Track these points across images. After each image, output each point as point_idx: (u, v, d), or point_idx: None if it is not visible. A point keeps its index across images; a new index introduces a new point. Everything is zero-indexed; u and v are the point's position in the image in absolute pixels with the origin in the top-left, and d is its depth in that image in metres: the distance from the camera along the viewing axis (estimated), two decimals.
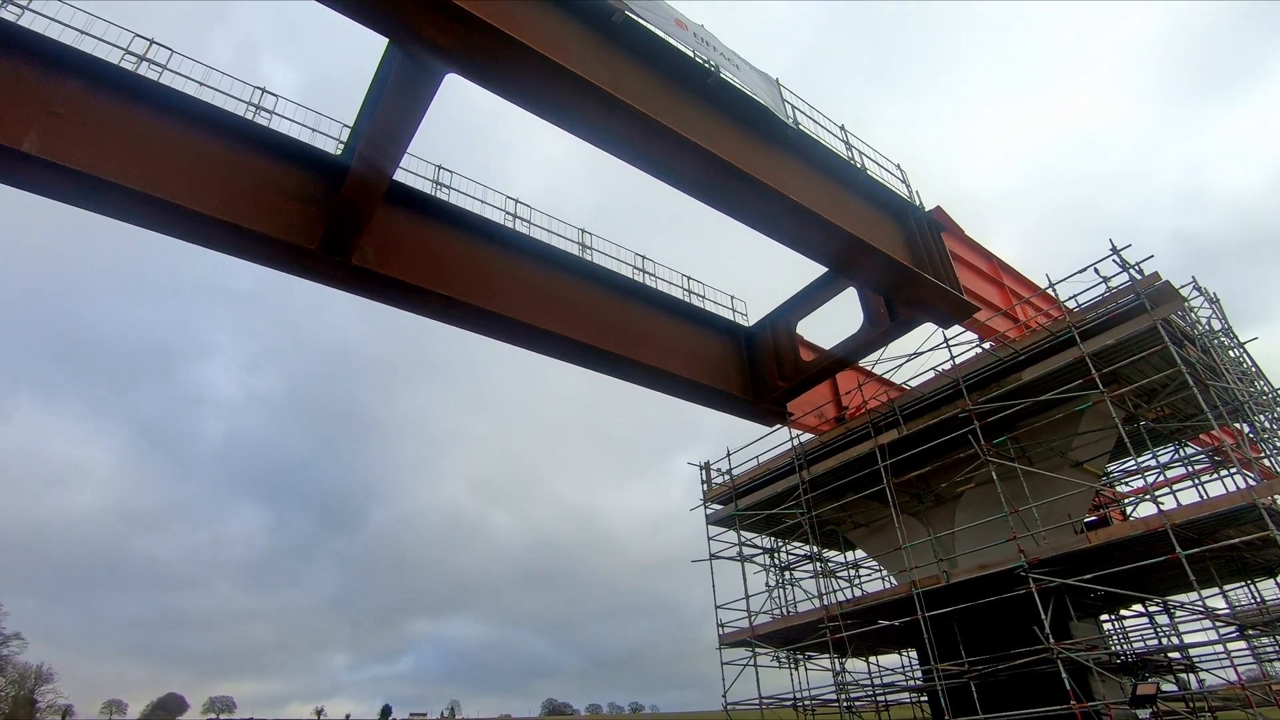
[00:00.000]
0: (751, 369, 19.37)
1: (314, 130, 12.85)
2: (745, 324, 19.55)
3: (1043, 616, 17.01)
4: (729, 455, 27.93)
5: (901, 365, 23.16)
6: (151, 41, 11.51)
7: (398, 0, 9.25)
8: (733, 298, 19.24)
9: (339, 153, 13.12)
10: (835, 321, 18.77)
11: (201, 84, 11.76)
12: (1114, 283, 18.93)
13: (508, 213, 15.18)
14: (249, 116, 12.50)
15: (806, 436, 25.51)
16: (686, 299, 18.36)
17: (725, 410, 19.63)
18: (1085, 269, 19.35)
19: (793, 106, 13.87)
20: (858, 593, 27.66)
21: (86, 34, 11.07)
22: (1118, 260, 18.58)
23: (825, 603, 24.45)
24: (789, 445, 25.29)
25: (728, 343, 19.30)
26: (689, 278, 18.32)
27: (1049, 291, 20.64)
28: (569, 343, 15.83)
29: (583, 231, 16.38)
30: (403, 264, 13.80)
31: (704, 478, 29.06)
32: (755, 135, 13.30)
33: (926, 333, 20.18)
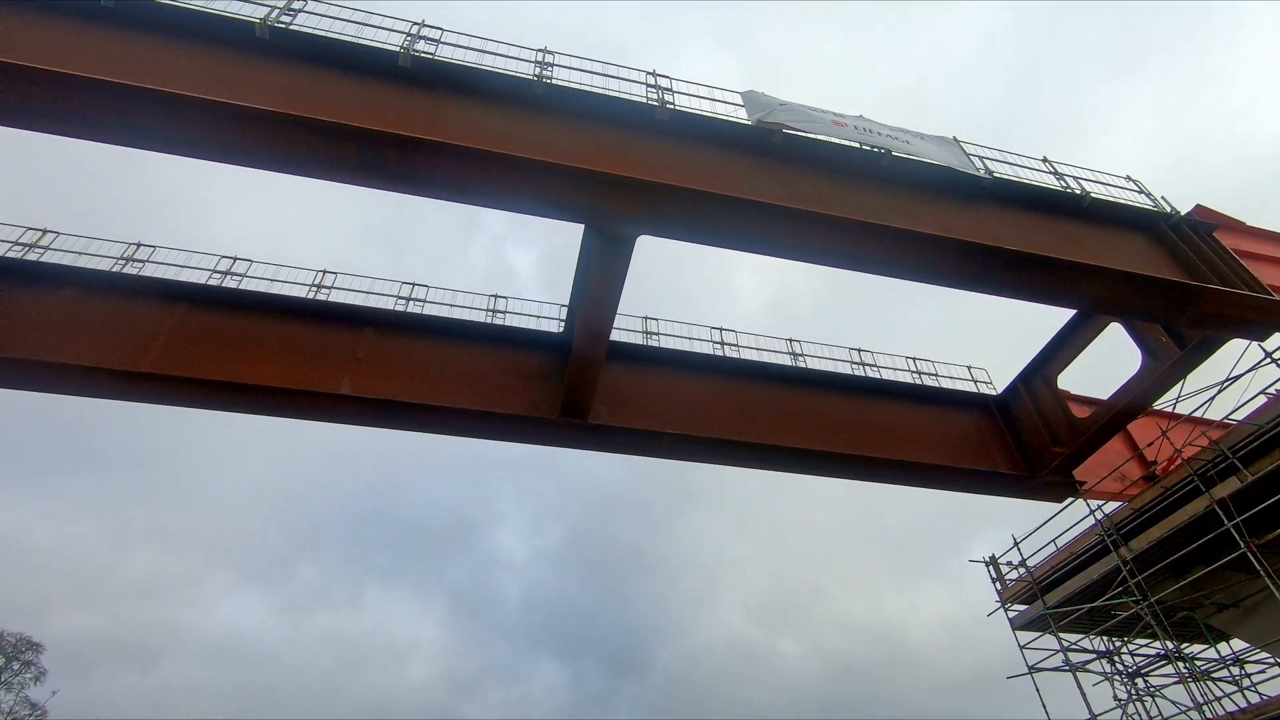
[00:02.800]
0: (1016, 440, 17.10)
1: (539, 317, 14.80)
2: (993, 392, 17.58)
3: None
4: (1017, 545, 24.13)
5: (1214, 397, 18.91)
6: (414, 284, 14.46)
7: (584, 191, 10.70)
8: (970, 367, 17.56)
9: (561, 330, 14.83)
10: (1107, 364, 16.15)
11: (452, 305, 14.36)
12: None
13: (715, 342, 15.77)
14: (488, 320, 14.81)
15: (1111, 506, 21.32)
16: (917, 381, 17.12)
17: (996, 492, 17.33)
18: None
19: (981, 159, 13.10)
20: (1254, 698, 21.17)
21: (371, 293, 14.24)
22: None
23: (1208, 716, 19.03)
24: (1092, 519, 21.26)
25: (978, 417, 17.39)
26: (914, 359, 17.17)
27: None
28: (797, 453, 15.43)
29: (790, 340, 16.38)
30: (631, 413, 14.75)
31: (994, 575, 25.26)
32: (949, 199, 12.67)
33: (1236, 350, 16.45)
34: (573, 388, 13.86)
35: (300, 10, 10.79)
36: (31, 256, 13.69)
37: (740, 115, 11.93)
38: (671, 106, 11.53)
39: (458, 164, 10.26)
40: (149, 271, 13.66)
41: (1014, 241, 12.20)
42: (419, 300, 14.41)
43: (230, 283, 13.86)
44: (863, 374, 16.86)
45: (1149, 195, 14.15)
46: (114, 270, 13.68)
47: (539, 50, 11.53)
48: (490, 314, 14.72)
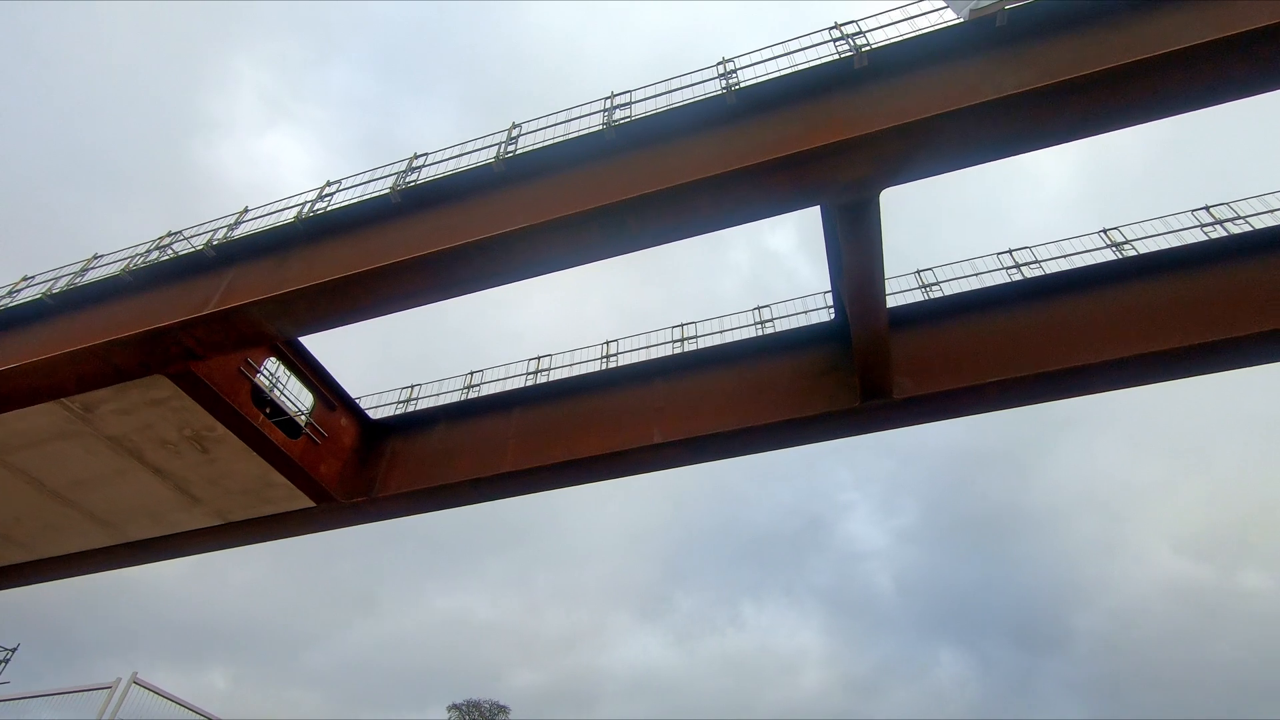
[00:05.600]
0: None
1: (806, 312, 14.53)
2: None
3: None
4: None
5: None
6: (683, 325, 15.32)
7: (807, 174, 10.35)
8: None
9: (833, 317, 14.34)
10: None
11: (722, 331, 14.88)
12: None
13: (1008, 268, 13.83)
14: (759, 332, 14.96)
15: None
16: None
17: None
18: None
19: None
20: None
21: (651, 345, 15.42)
22: None
23: None
24: None
25: None
26: None
27: None
28: (1155, 358, 12.65)
29: (1104, 231, 13.64)
30: (938, 376, 13.52)
31: None
32: None
33: None
34: (866, 370, 13.21)
35: (520, 135, 12.46)
36: (410, 409, 17.58)
37: (949, 18, 10.59)
38: (867, 48, 10.70)
39: (687, 200, 10.73)
40: (486, 390, 16.62)
41: None
42: (692, 337, 15.20)
43: (542, 378, 16.16)
44: (1221, 234, 13.29)
45: None
46: (463, 399, 16.88)
47: (719, 63, 11.67)
48: (759, 326, 14.87)
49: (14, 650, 24.84)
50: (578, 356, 16.07)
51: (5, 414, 14.81)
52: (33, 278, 16.16)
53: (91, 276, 15.01)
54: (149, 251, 14.80)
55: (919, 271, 14.13)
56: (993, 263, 13.81)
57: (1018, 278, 13.70)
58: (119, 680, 8.39)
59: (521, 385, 16.56)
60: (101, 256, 15.48)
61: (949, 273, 14.00)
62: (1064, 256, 13.52)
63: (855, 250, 11.58)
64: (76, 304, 14.87)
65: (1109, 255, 13.56)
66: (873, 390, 13.44)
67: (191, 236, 14.51)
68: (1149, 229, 13.27)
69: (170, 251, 14.45)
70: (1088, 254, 13.46)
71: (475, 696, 54.30)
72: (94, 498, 17.31)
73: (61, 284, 15.13)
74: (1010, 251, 13.85)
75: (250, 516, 17.73)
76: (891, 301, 13.92)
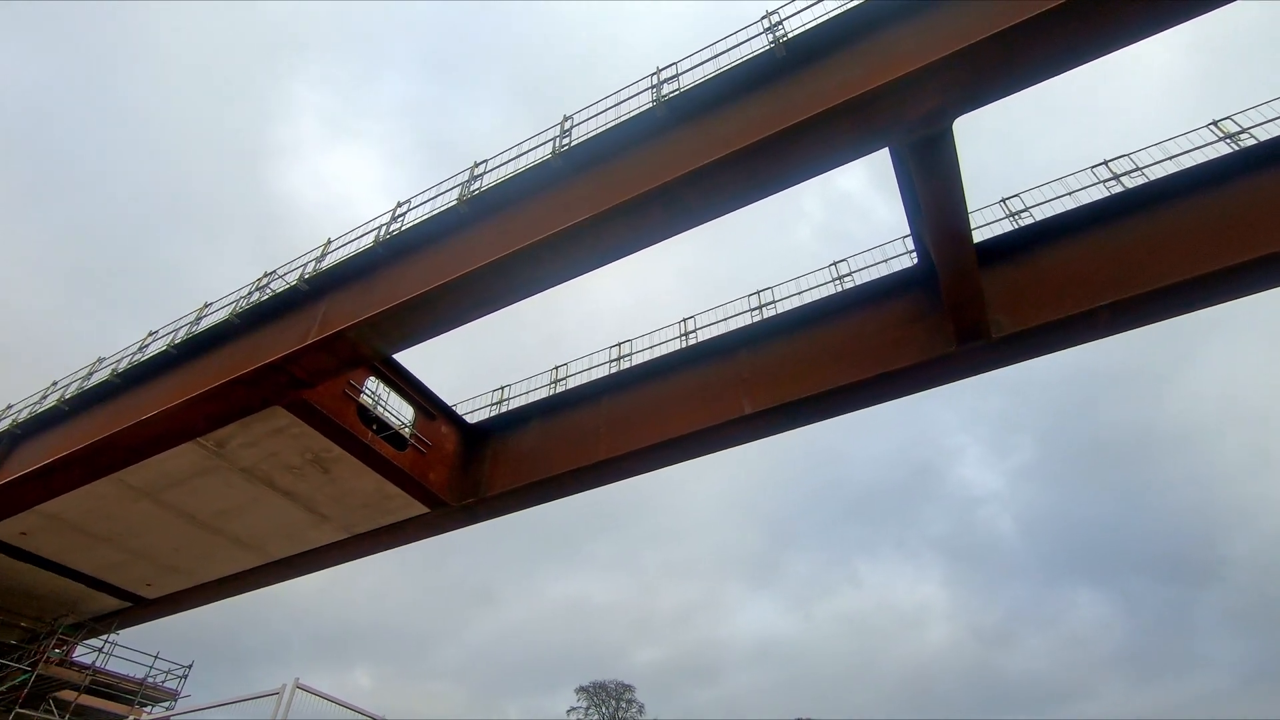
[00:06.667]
0: None
1: (886, 261, 13.96)
2: None
3: None
4: None
5: None
6: (759, 291, 15.06)
7: (873, 116, 9.88)
8: None
9: (915, 262, 13.72)
10: None
11: (800, 292, 14.52)
12: None
13: (1104, 181, 12.77)
14: (839, 289, 14.51)
15: None
16: None
17: None
18: None
19: None
20: None
21: (728, 317, 15.22)
22: None
23: None
24: None
25: None
26: None
27: None
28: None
29: (1214, 124, 12.36)
30: (1039, 307, 12.70)
31: None
32: None
33: None
34: (957, 312, 12.59)
35: (572, 127, 12.52)
36: (503, 409, 18.17)
37: None
38: None
39: (747, 165, 10.49)
40: (572, 383, 16.97)
41: None
42: (770, 303, 14.93)
43: (625, 364, 16.32)
44: None
45: None
46: (551, 395, 17.30)
47: (764, 17, 11.30)
48: (838, 281, 14.43)
49: (189, 667, 27.63)
50: (657, 338, 16.13)
51: (152, 458, 16.37)
52: (157, 332, 17.70)
53: (205, 324, 16.29)
54: (250, 293, 15.89)
55: (1004, 199, 13.26)
56: (1087, 178, 12.79)
57: (1117, 190, 12.64)
58: (284, 686, 9.13)
59: (606, 373, 16.78)
60: (211, 304, 16.75)
61: (1038, 195, 13.06)
62: (1170, 159, 12.33)
63: (932, 187, 11.01)
64: (196, 350, 16.20)
65: (1223, 149, 12.29)
66: (968, 333, 12.80)
67: (285, 274, 15.46)
68: (1268, 112, 11.90)
69: (269, 291, 15.46)
70: (1197, 151, 12.24)
71: (600, 678, 56.18)
72: (236, 524, 18.93)
73: (182, 334, 16.49)
74: (1106, 163, 12.76)
75: (373, 527, 18.91)
76: (977, 235, 13.16)
